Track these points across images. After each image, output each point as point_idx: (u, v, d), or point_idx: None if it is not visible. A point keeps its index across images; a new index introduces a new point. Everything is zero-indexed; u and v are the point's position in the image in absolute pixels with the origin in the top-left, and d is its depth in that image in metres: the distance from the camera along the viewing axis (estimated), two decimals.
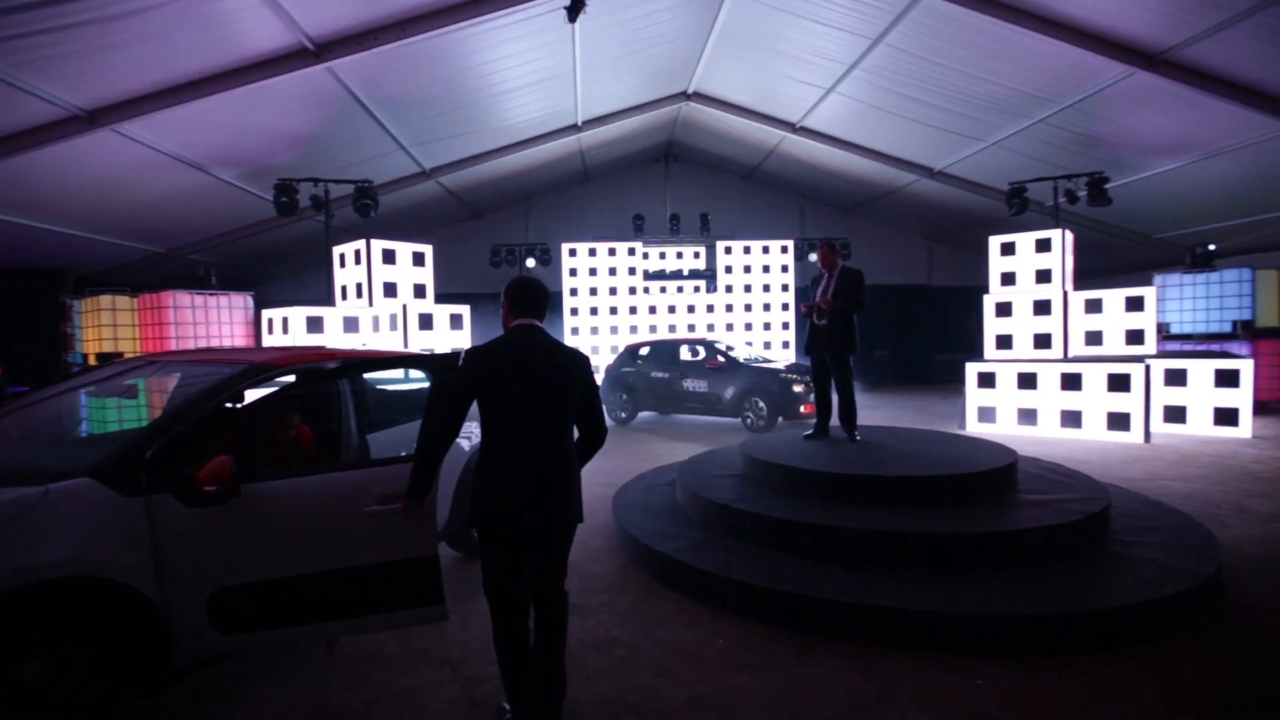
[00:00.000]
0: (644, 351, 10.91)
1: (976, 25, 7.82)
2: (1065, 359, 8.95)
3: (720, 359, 9.92)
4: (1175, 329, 10.79)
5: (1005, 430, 8.85)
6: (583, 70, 9.79)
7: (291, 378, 2.94)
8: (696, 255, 14.47)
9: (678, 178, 16.53)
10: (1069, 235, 9.43)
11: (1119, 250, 13.82)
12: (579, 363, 2.41)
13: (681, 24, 9.54)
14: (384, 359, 3.25)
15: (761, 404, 9.36)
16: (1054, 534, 3.73)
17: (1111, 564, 3.65)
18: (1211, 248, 11.04)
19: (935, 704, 2.65)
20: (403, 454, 2.79)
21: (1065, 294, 9.14)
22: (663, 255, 14.41)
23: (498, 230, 15.91)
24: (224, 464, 2.33)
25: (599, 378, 10.47)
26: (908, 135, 11.48)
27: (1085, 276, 12.63)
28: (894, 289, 16.61)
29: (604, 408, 10.94)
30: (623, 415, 10.68)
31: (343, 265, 9.44)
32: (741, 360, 10.04)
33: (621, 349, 11.57)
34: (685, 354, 10.45)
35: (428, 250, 9.81)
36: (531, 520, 2.29)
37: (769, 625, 3.33)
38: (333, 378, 3.02)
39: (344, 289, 9.41)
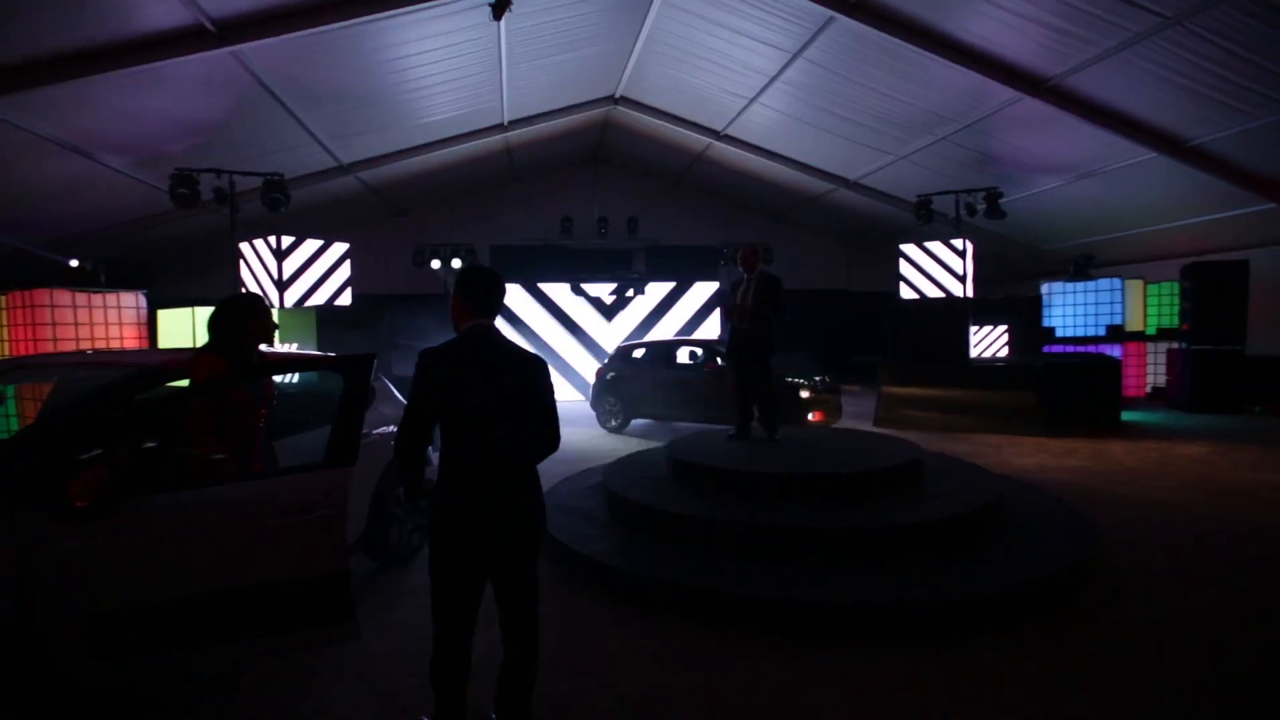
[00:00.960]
0: (637, 354, 10.05)
1: (886, 46, 8.30)
2: (968, 359, 9.63)
3: (719, 361, 9.09)
4: (1060, 332, 11.82)
5: (914, 427, 9.40)
6: (509, 69, 9.66)
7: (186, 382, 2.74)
8: (625, 257, 14.53)
9: (606, 180, 16.58)
10: (970, 245, 10.16)
11: (1012, 260, 15.01)
12: (537, 366, 2.31)
13: (609, 28, 9.59)
14: (292, 361, 3.08)
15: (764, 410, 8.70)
16: (956, 524, 4.01)
17: (1006, 548, 3.95)
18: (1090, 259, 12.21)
19: (852, 690, 2.78)
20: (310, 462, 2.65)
21: (967, 299, 9.84)
22: (591, 257, 14.37)
23: (422, 229, 15.41)
24: (99, 477, 2.14)
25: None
26: (826, 146, 12.01)
27: (984, 284, 13.65)
28: (815, 293, 17.28)
29: (595, 416, 9.72)
30: (613, 424, 9.71)
31: (250, 262, 8.88)
32: None
33: (614, 350, 10.48)
34: (683, 356, 9.64)
35: (345, 248, 9.38)
36: (489, 534, 2.18)
37: (696, 623, 3.39)
38: (234, 381, 2.83)
39: (252, 287, 8.85)
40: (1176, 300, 11.25)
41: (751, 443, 5.43)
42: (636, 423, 10.01)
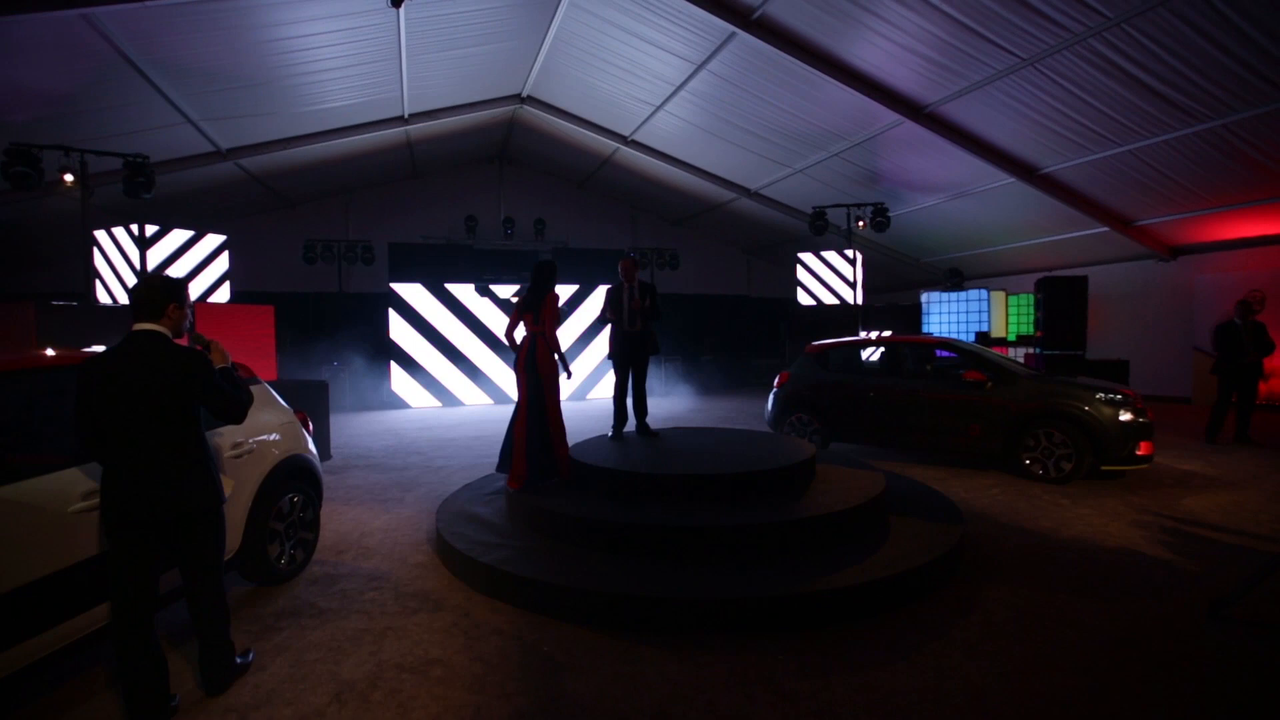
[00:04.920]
0: (839, 357, 7.72)
1: (785, 64, 8.74)
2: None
3: (980, 371, 6.66)
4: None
5: None
6: (409, 60, 9.28)
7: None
8: (532, 259, 14.33)
9: (513, 180, 16.30)
10: (860, 255, 10.89)
11: (896, 271, 16.23)
12: (182, 363, 2.49)
13: (515, 25, 9.45)
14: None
15: (1062, 439, 6.14)
16: (844, 517, 4.26)
17: (888, 537, 4.25)
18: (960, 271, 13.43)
19: (743, 682, 2.89)
20: None
21: (857, 305, 10.52)
22: (497, 258, 14.07)
23: (314, 223, 14.47)
24: None
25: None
26: (729, 157, 12.45)
27: (872, 292, 14.67)
28: (717, 298, 17.84)
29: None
30: None
31: (106, 253, 7.96)
32: (1019, 372, 6.66)
33: (803, 353, 8.03)
34: (911, 359, 7.31)
35: (222, 240, 8.63)
36: (137, 520, 2.42)
37: (595, 628, 3.40)
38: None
39: (108, 282, 7.94)
40: (1032, 310, 12.60)
41: (647, 443, 5.54)
42: (836, 445, 7.73)
